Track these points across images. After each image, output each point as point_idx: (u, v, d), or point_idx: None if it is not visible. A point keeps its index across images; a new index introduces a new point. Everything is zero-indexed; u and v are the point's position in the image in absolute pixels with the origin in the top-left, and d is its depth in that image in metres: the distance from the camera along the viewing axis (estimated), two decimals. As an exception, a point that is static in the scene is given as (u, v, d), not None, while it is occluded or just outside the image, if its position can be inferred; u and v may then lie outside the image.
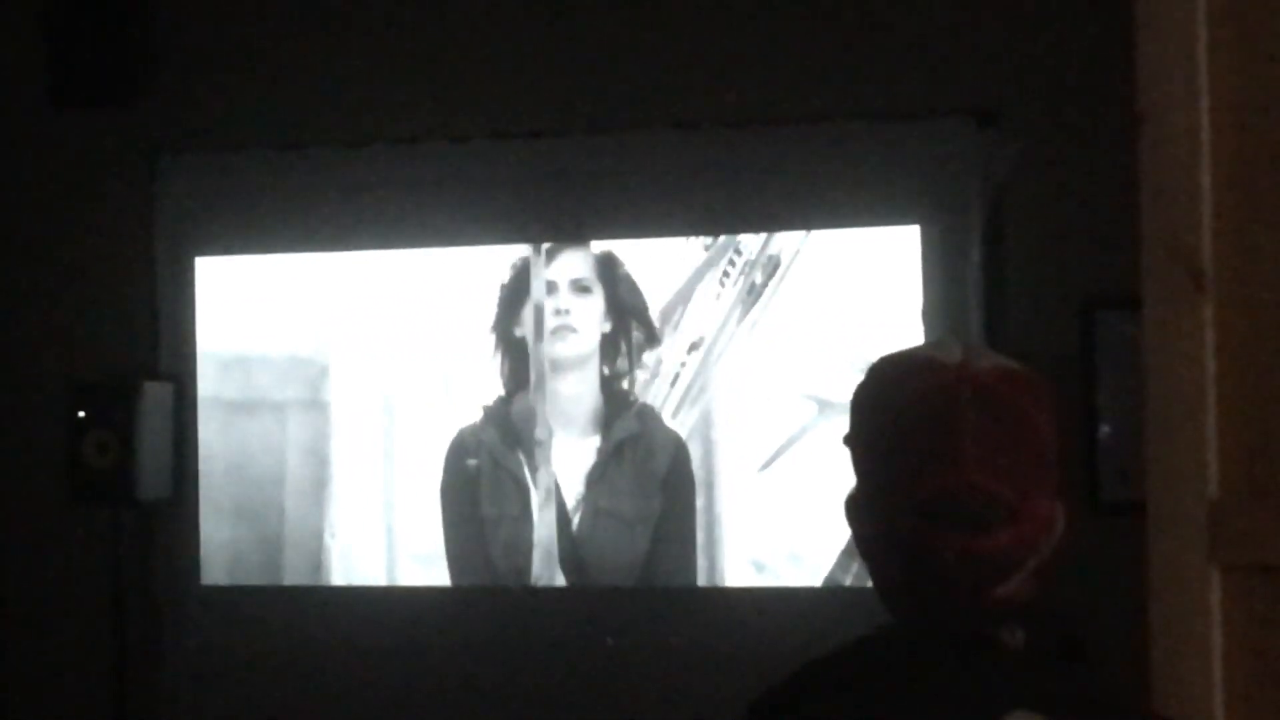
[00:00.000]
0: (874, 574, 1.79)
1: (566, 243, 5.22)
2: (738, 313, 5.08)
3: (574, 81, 5.19)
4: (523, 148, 5.21)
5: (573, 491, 5.20)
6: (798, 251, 5.04)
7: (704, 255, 5.11)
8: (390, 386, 5.34)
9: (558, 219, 5.21)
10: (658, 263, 5.15)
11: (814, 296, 5.02)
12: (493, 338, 5.26)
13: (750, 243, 5.07)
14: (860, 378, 1.81)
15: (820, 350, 5.00)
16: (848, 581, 4.90)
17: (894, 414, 1.73)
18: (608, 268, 5.19)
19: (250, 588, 5.40)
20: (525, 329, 5.24)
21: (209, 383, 5.44)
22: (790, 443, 5.01)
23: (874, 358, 1.82)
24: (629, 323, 5.17)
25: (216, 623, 5.38)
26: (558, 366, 5.23)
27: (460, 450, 5.28)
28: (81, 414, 5.17)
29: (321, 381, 5.39)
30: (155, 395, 5.28)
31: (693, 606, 5.12)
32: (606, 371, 5.19)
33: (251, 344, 5.43)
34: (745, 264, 5.08)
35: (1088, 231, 4.71)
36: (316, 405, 5.39)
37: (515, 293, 5.24)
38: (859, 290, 4.97)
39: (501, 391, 5.26)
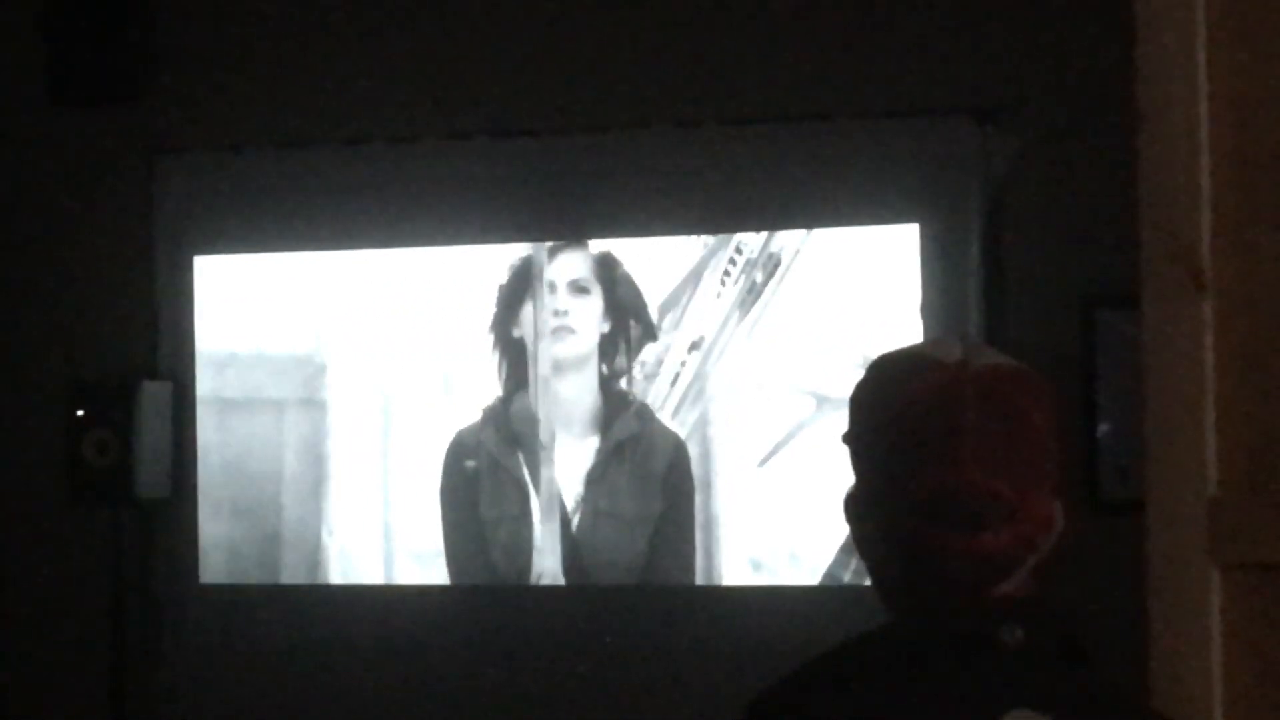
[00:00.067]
0: (873, 573, 1.79)
1: (565, 244, 5.21)
2: (738, 312, 5.08)
3: (574, 81, 5.18)
4: (523, 147, 5.21)
5: (572, 492, 5.20)
6: (798, 250, 5.04)
7: (702, 252, 5.11)
8: (388, 385, 5.34)
9: (558, 218, 5.21)
10: (657, 261, 5.15)
11: (814, 295, 5.02)
12: (491, 338, 5.26)
13: (751, 242, 5.07)
14: (859, 374, 1.81)
15: (819, 346, 5.00)
16: (846, 578, 4.89)
17: (893, 412, 1.73)
18: (606, 268, 5.18)
19: (250, 586, 5.40)
20: (524, 330, 5.24)
21: (208, 382, 5.44)
22: (789, 438, 5.01)
23: (873, 354, 1.82)
24: (627, 322, 5.17)
25: (216, 621, 5.38)
26: (557, 368, 5.23)
27: (459, 452, 5.28)
28: (81, 413, 5.18)
29: (319, 380, 5.39)
30: (154, 394, 5.28)
31: (691, 605, 5.12)
32: (605, 371, 5.19)
33: (250, 343, 5.43)
34: (746, 263, 5.08)
35: (1087, 230, 4.71)
36: (314, 404, 5.39)
37: (514, 293, 5.24)
38: (859, 289, 4.97)
39: (500, 392, 5.25)
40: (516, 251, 5.24)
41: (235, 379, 5.44)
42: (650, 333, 5.14)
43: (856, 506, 1.78)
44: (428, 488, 5.30)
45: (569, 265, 5.21)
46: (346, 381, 5.37)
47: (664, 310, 5.14)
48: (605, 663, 5.10)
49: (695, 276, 5.12)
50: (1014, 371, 1.74)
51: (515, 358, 5.24)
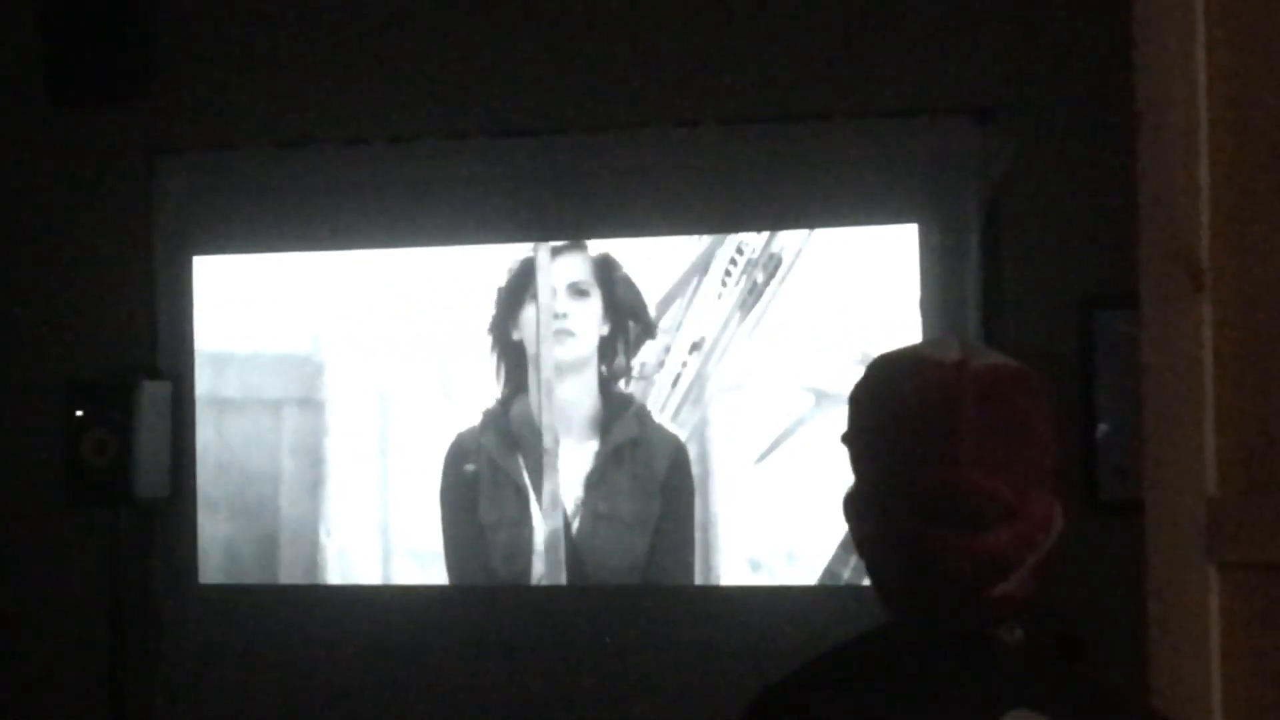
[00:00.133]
0: (872, 572, 1.79)
1: (564, 247, 5.21)
2: (739, 313, 5.08)
3: (574, 81, 5.18)
4: (522, 147, 5.21)
5: (572, 495, 5.20)
6: (800, 251, 5.04)
7: (700, 249, 5.10)
8: (386, 385, 5.34)
9: (557, 218, 5.21)
10: (657, 261, 5.15)
11: (814, 295, 5.02)
12: (489, 340, 5.26)
13: (752, 242, 5.07)
14: (859, 372, 1.81)
15: (820, 346, 5.00)
16: (846, 574, 4.89)
17: (892, 412, 1.73)
18: (605, 270, 5.18)
19: (249, 587, 5.40)
20: (523, 332, 5.24)
21: (207, 382, 5.44)
22: (787, 434, 5.01)
23: (872, 351, 1.82)
24: (627, 323, 5.17)
25: (215, 621, 5.38)
26: (557, 370, 5.23)
27: (459, 455, 5.27)
28: (80, 413, 5.17)
29: (318, 380, 5.38)
30: (153, 394, 5.28)
31: (691, 606, 5.12)
32: (605, 374, 5.19)
33: (249, 343, 5.43)
34: (747, 263, 5.08)
35: (1086, 230, 4.71)
36: (313, 404, 5.39)
37: (513, 296, 5.24)
38: (858, 289, 4.97)
39: (499, 394, 5.25)
40: (516, 252, 5.24)
41: (234, 379, 5.44)
42: (649, 331, 5.14)
43: (856, 506, 1.78)
44: (426, 487, 5.29)
45: (568, 268, 5.21)
46: (345, 381, 5.37)
47: (662, 307, 5.14)
48: (604, 663, 5.10)
49: (695, 276, 5.12)
50: (1013, 371, 1.74)
51: (514, 360, 5.24)
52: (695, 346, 5.11)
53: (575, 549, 5.18)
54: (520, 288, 5.23)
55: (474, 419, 5.27)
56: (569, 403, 5.20)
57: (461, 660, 5.18)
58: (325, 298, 5.37)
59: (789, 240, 5.05)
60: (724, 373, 5.09)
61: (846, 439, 1.79)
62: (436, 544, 5.29)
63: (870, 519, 1.75)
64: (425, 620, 5.24)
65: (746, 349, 5.07)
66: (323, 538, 5.38)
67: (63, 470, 5.20)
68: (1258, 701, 2.12)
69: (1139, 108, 2.19)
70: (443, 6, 5.29)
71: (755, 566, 5.07)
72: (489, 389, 5.26)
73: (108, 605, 5.24)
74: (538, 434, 5.21)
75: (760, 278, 5.06)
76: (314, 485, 5.39)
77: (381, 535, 5.34)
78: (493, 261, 5.26)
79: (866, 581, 1.81)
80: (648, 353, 5.15)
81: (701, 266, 5.11)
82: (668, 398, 5.14)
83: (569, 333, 5.21)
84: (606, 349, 5.18)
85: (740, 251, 5.08)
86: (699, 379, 5.11)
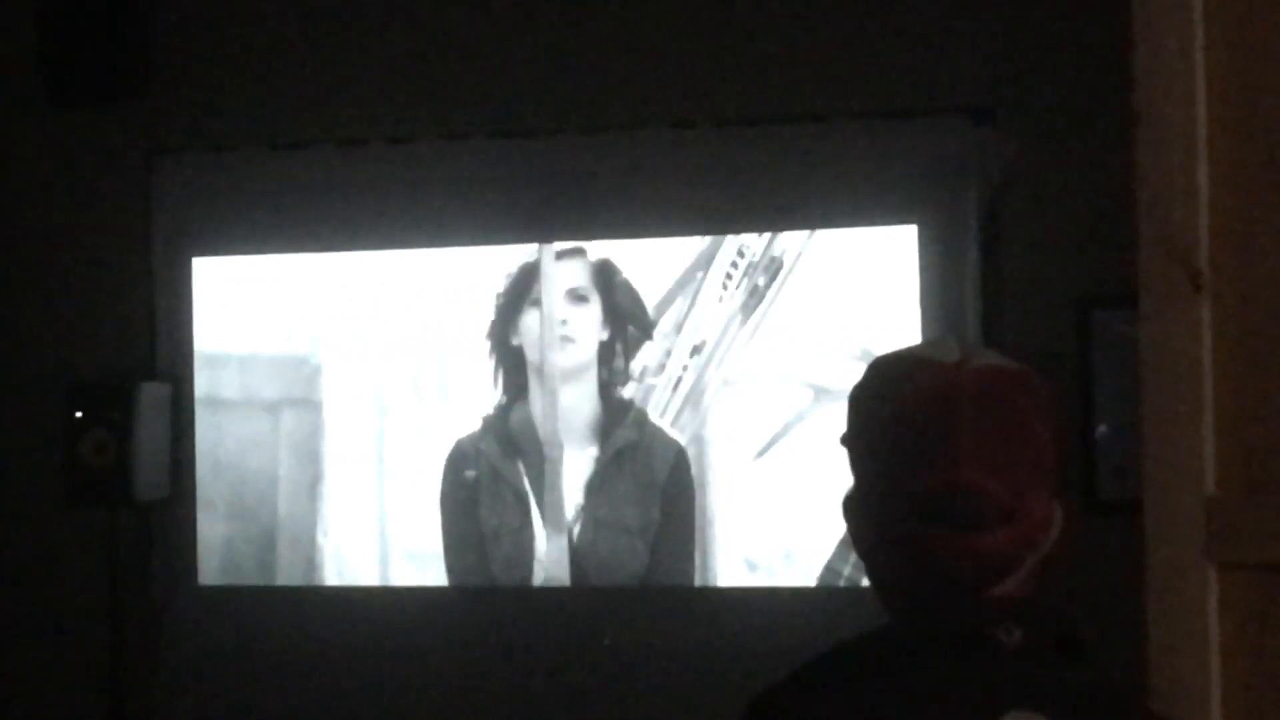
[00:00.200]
0: (871, 573, 1.79)
1: (563, 253, 5.21)
2: (740, 316, 5.08)
3: (573, 82, 5.18)
4: (521, 147, 5.21)
5: (573, 501, 5.19)
6: (800, 254, 5.04)
7: (700, 251, 5.10)
8: (384, 386, 5.34)
9: (556, 220, 5.21)
10: (656, 263, 5.15)
11: (814, 296, 5.02)
12: (488, 344, 5.25)
13: (753, 245, 5.07)
14: (858, 369, 1.81)
15: (820, 349, 4.99)
16: (846, 572, 4.89)
17: (891, 413, 1.73)
18: (604, 275, 5.18)
19: (248, 588, 5.40)
20: (522, 338, 5.23)
21: (206, 383, 5.44)
22: (786, 429, 5.01)
23: (872, 349, 1.82)
24: (626, 328, 5.17)
25: (214, 623, 5.38)
26: (557, 377, 5.22)
27: (459, 461, 5.27)
28: (79, 414, 5.17)
29: (316, 381, 5.38)
30: (152, 395, 5.28)
31: (691, 607, 5.11)
32: (605, 378, 5.18)
33: (248, 344, 5.43)
34: (748, 266, 5.07)
35: (1084, 230, 4.72)
36: (311, 405, 5.39)
37: (512, 301, 5.24)
38: (857, 290, 4.97)
39: (499, 400, 5.25)
40: (515, 255, 5.24)
41: (233, 380, 5.44)
42: (648, 333, 5.14)
43: (855, 507, 1.78)
44: (423, 488, 5.29)
45: (568, 274, 5.20)
46: (343, 383, 5.37)
47: (662, 308, 5.14)
48: (603, 664, 5.10)
49: (694, 278, 5.12)
50: (1012, 372, 1.75)
51: (513, 366, 5.24)
52: (696, 350, 5.11)
53: (577, 555, 5.17)
54: (520, 293, 5.22)
55: (472, 422, 5.26)
56: (569, 409, 5.20)
57: (459, 661, 5.18)
58: (324, 299, 5.37)
59: (789, 242, 5.05)
60: (724, 376, 5.09)
61: (846, 440, 1.79)
62: (434, 545, 5.29)
63: (870, 520, 1.76)
64: (423, 621, 5.24)
65: (747, 352, 5.07)
66: (320, 539, 5.38)
67: (62, 471, 5.20)
68: (1257, 701, 2.12)
69: (1138, 108, 2.19)
70: (442, 7, 5.29)
71: (752, 567, 5.07)
72: (486, 392, 5.26)
73: (107, 605, 5.24)
74: (538, 440, 5.21)
75: (761, 281, 5.06)
76: (312, 486, 5.39)
77: (379, 536, 5.34)
78: (491, 263, 5.26)
79: (866, 581, 1.82)
80: (647, 356, 5.15)
81: (701, 269, 5.11)
82: (668, 402, 5.13)
83: (569, 339, 5.20)
84: (606, 354, 5.18)
85: (741, 254, 5.08)
86: (699, 383, 5.11)
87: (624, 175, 5.15)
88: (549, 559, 5.19)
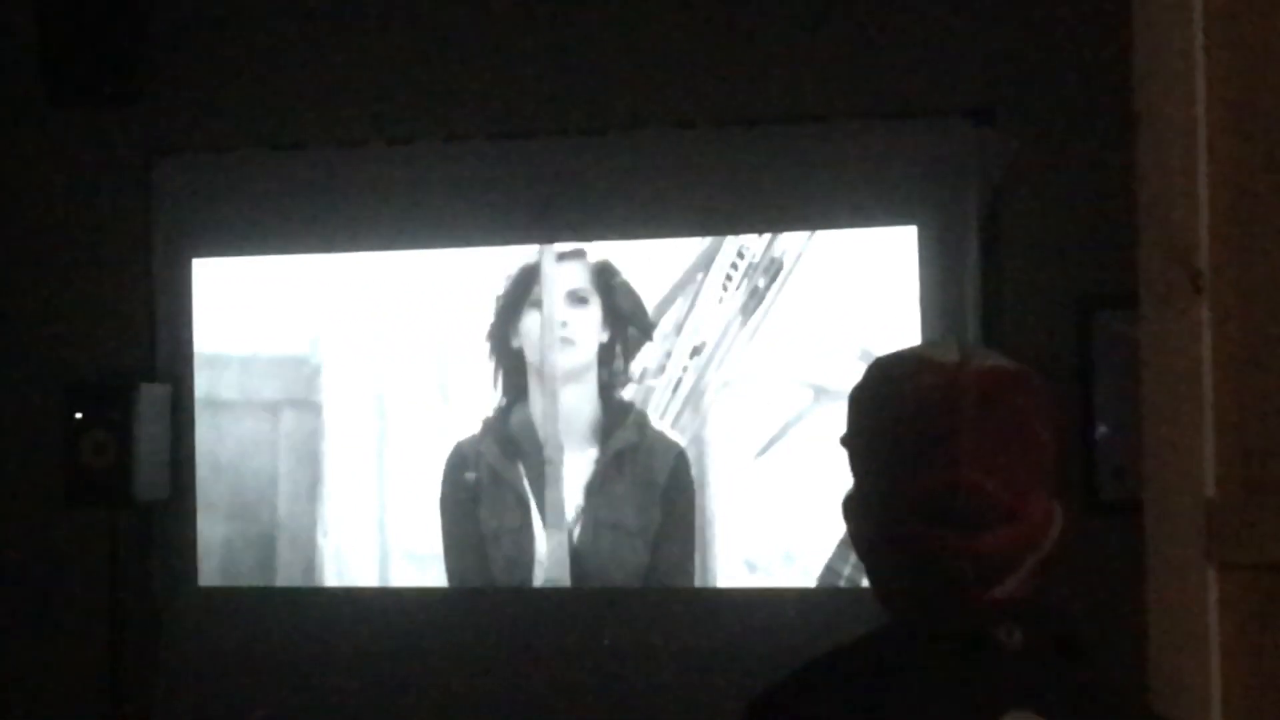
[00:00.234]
0: (871, 574, 1.79)
1: (563, 255, 5.21)
2: (740, 318, 5.08)
3: (573, 82, 5.19)
4: (521, 148, 5.21)
5: (573, 503, 5.19)
6: (800, 254, 5.04)
7: (700, 252, 5.10)
8: (383, 387, 5.34)
9: (556, 220, 5.21)
10: (656, 264, 5.15)
11: (814, 297, 5.02)
12: (488, 346, 5.25)
13: (753, 246, 5.07)
14: (858, 369, 1.81)
15: (820, 350, 4.99)
16: (847, 571, 4.89)
17: (892, 414, 1.73)
18: (604, 277, 5.18)
19: (248, 588, 5.40)
20: (522, 340, 5.23)
21: (205, 384, 5.44)
22: (786, 429, 5.01)
23: (872, 349, 1.82)
24: (626, 329, 5.17)
25: (213, 623, 5.38)
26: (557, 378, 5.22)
27: (459, 463, 5.27)
28: (79, 415, 5.18)
29: (315, 382, 5.38)
30: (152, 396, 5.28)
31: (690, 608, 5.11)
32: (605, 380, 5.18)
33: (247, 345, 5.43)
34: (748, 268, 5.07)
35: (1085, 231, 4.72)
36: (310, 406, 5.39)
37: (512, 303, 5.23)
38: (857, 291, 4.97)
39: (499, 402, 5.24)
40: (515, 256, 5.24)
41: (232, 381, 5.44)
42: (647, 334, 5.14)
43: (855, 507, 1.78)
44: (422, 489, 5.29)
45: (568, 276, 5.20)
46: (342, 383, 5.37)
47: (662, 309, 5.14)
48: (602, 664, 5.10)
49: (695, 279, 5.11)
50: (1012, 373, 1.74)
51: (513, 368, 5.24)
52: (696, 351, 5.11)
53: (577, 557, 5.17)
54: (520, 295, 5.22)
55: (471, 423, 5.26)
56: (570, 410, 5.20)
57: (459, 662, 5.18)
58: (324, 300, 5.37)
59: (789, 243, 5.05)
60: (724, 377, 5.09)
61: (846, 440, 1.79)
62: (434, 546, 5.29)
63: (870, 520, 1.75)
64: (423, 622, 5.24)
65: (747, 353, 5.07)
66: (320, 540, 5.38)
67: (62, 472, 5.21)
68: (1257, 701, 2.12)
69: (1138, 108, 2.19)
70: (442, 7, 5.29)
71: (752, 568, 5.07)
72: (486, 394, 5.26)
73: (107, 606, 5.24)
74: (538, 442, 5.21)
75: (761, 282, 5.06)
76: (311, 487, 5.39)
77: (379, 537, 5.34)
78: (491, 264, 5.25)
79: (866, 582, 1.82)
80: (647, 357, 5.15)
81: (701, 270, 5.11)
82: (668, 403, 5.13)
83: (569, 340, 5.20)
84: (606, 356, 5.18)
85: (741, 255, 5.08)
86: (699, 384, 5.11)
87: (624, 176, 5.15)
88: (549, 560, 5.19)
